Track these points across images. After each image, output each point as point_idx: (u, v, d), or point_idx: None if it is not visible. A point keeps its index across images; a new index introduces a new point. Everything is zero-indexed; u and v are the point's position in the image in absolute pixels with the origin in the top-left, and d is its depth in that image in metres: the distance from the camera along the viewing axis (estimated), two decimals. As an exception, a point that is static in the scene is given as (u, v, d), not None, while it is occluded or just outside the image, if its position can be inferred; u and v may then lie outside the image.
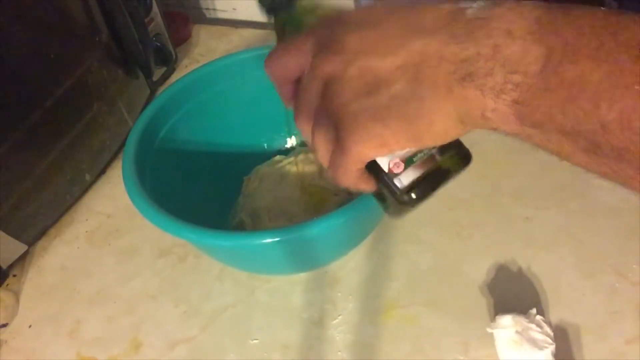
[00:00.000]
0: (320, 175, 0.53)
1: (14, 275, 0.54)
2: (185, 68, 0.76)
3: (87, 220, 0.59)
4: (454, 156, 0.28)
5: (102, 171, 0.63)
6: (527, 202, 0.52)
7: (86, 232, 0.58)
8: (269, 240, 0.39)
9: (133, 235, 0.56)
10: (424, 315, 0.45)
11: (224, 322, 0.48)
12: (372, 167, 0.28)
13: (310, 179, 0.53)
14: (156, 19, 0.68)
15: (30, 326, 0.50)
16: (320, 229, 0.39)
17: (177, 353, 0.46)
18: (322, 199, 0.52)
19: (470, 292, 0.46)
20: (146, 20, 0.65)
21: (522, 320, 0.40)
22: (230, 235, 0.44)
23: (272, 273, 0.51)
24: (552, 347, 0.39)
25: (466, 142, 0.29)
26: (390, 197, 0.29)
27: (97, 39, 0.59)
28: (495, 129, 0.25)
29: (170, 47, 0.72)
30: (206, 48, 0.79)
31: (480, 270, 0.48)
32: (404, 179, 0.28)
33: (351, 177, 0.28)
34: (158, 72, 0.70)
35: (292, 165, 0.54)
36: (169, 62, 0.72)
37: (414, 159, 0.28)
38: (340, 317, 0.46)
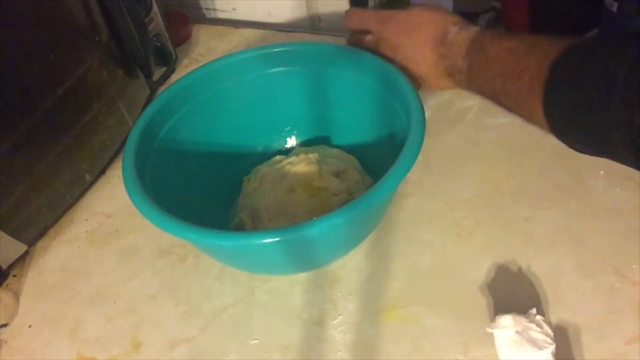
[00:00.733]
0: (320, 175, 0.53)
1: (14, 275, 0.54)
2: (185, 68, 0.76)
3: (87, 220, 0.59)
4: None
5: (102, 171, 0.63)
6: (527, 202, 0.52)
7: (86, 232, 0.58)
8: (269, 240, 0.39)
9: (133, 235, 0.56)
10: (424, 315, 0.45)
11: (224, 322, 0.48)
12: None
13: (310, 179, 0.53)
14: (156, 19, 0.68)
15: (30, 326, 0.50)
16: (320, 229, 0.39)
17: (177, 353, 0.46)
18: (322, 199, 0.52)
19: (470, 292, 0.46)
20: (146, 20, 0.65)
21: (522, 320, 0.40)
22: (230, 235, 0.44)
23: (272, 273, 0.51)
24: (552, 347, 0.39)
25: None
26: None
27: (97, 39, 0.59)
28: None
29: (170, 47, 0.71)
30: (206, 48, 0.79)
31: (480, 270, 0.48)
32: None
33: None
34: (158, 72, 0.70)
35: (292, 165, 0.54)
36: (169, 62, 0.72)
37: None
38: (340, 317, 0.46)
